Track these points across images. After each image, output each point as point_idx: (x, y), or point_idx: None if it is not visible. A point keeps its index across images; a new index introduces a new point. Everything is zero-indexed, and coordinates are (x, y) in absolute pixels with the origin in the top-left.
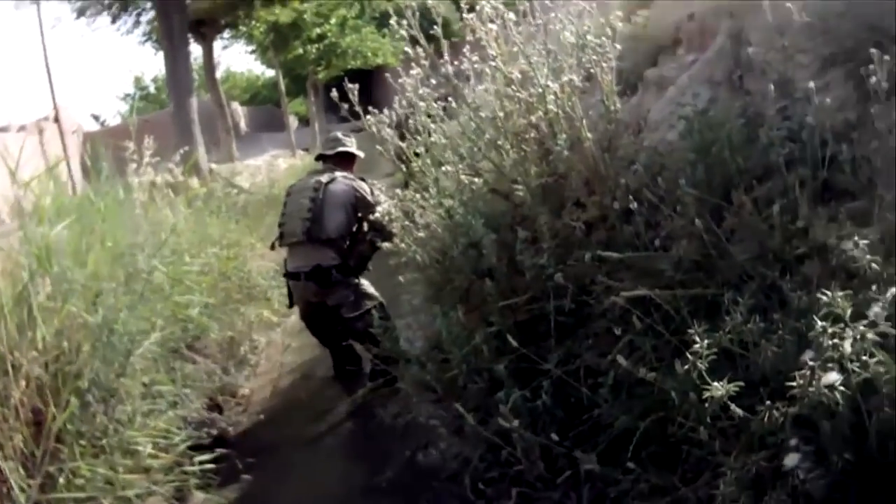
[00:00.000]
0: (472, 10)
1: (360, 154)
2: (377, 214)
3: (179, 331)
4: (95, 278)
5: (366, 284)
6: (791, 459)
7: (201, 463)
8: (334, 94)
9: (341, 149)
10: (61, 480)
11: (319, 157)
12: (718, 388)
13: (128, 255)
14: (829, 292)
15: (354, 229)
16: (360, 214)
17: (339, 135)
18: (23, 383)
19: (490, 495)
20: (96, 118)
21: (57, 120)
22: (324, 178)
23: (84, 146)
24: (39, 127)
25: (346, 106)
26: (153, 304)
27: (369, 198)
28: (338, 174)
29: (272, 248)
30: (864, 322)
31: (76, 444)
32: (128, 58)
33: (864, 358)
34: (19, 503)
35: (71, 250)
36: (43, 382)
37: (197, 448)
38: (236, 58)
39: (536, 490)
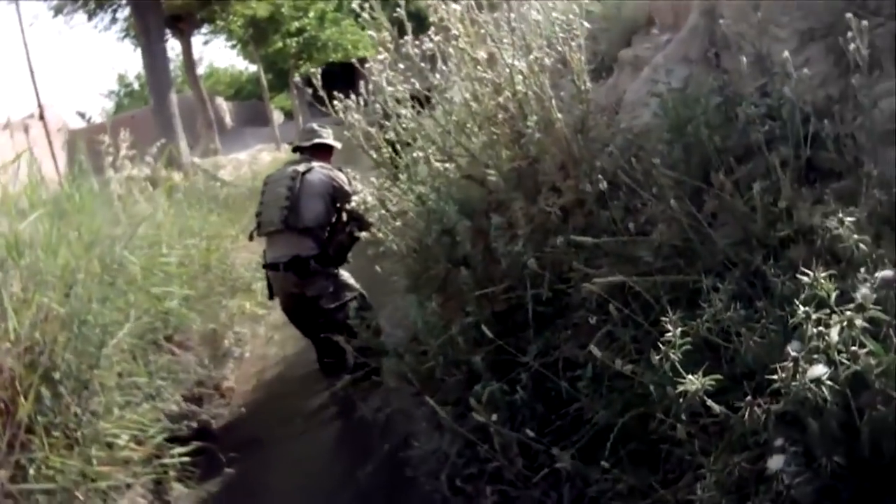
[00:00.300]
0: None
1: (337, 145)
2: (353, 203)
3: (158, 322)
4: (68, 269)
5: (346, 275)
6: (776, 461)
7: (180, 455)
8: (297, 79)
9: (318, 140)
10: (32, 471)
11: (297, 149)
12: (693, 382)
13: (101, 247)
14: (811, 272)
15: (333, 220)
16: (338, 204)
17: (315, 126)
18: None
19: (469, 492)
20: (82, 115)
21: (42, 118)
22: (301, 168)
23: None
24: (25, 125)
25: (309, 91)
26: (127, 295)
27: (347, 187)
28: (315, 164)
29: (251, 238)
30: (852, 306)
31: (48, 435)
32: (112, 55)
33: (852, 348)
34: None
35: (44, 242)
36: (15, 374)
37: (177, 441)
38: (219, 53)
39: (516, 488)
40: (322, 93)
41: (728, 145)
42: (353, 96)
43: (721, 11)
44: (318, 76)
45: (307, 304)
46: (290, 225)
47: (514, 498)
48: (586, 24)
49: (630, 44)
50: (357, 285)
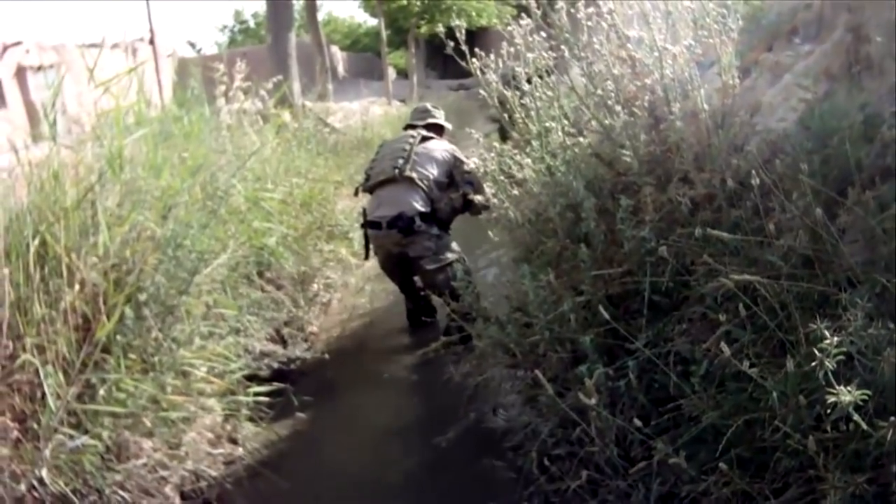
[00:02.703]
0: None
1: (448, 126)
2: (472, 166)
3: (253, 257)
4: (169, 191)
5: (448, 238)
6: None
7: (256, 394)
8: (450, 44)
9: (431, 120)
10: (102, 392)
11: (409, 127)
12: (845, 394)
13: (206, 173)
14: None
15: (446, 187)
16: (454, 176)
17: (429, 106)
18: (77, 288)
19: (554, 473)
20: (192, 45)
21: (152, 42)
22: (423, 132)
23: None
24: (133, 47)
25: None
26: (228, 225)
27: (466, 165)
28: (432, 137)
29: (356, 193)
30: None
31: (124, 356)
32: None
33: None
34: (51, 409)
35: (147, 160)
36: (99, 290)
37: (254, 379)
38: (339, 3)
39: (604, 475)
40: (464, 48)
41: (865, 164)
42: (492, 56)
43: (868, 31)
44: (463, 31)
45: (408, 264)
46: (403, 174)
47: (600, 485)
48: (740, 21)
49: (771, 49)
50: (459, 249)
